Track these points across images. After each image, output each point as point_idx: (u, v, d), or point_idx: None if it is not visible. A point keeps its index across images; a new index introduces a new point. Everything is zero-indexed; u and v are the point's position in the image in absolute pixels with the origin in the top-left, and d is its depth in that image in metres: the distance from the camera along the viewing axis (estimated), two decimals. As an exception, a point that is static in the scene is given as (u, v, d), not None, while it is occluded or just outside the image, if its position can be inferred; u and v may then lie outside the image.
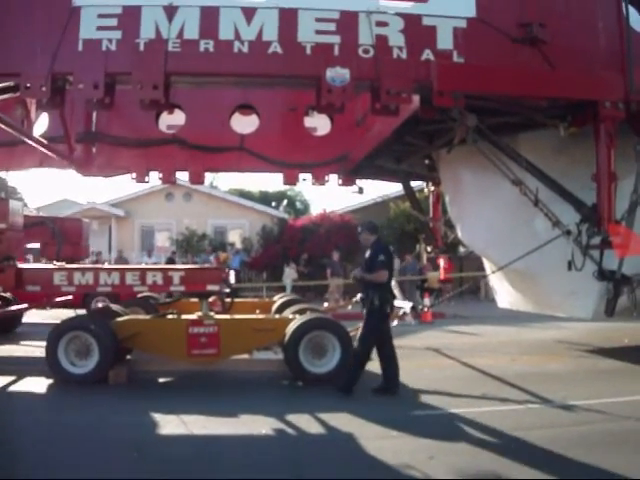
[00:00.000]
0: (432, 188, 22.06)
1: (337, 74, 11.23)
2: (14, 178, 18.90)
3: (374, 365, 14.31)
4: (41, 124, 14.68)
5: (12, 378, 13.68)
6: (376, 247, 12.54)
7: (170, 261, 33.73)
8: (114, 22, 11.41)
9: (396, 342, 18.02)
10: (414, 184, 22.41)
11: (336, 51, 11.67)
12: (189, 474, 8.05)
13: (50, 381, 13.20)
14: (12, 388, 13.14)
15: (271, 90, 16.15)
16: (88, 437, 9.60)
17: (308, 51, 11.65)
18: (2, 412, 11.36)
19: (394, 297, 12.95)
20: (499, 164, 13.49)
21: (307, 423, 10.31)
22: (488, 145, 13.53)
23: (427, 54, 11.88)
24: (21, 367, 14.74)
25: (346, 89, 11.32)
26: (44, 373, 13.20)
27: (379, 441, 9.25)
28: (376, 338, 12.41)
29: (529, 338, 19.92)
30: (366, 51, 11.66)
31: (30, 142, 14.63)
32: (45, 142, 14.96)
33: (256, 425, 10.09)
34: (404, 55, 11.81)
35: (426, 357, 16.62)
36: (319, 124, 16.23)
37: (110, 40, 11.36)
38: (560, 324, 21.53)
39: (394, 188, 27.11)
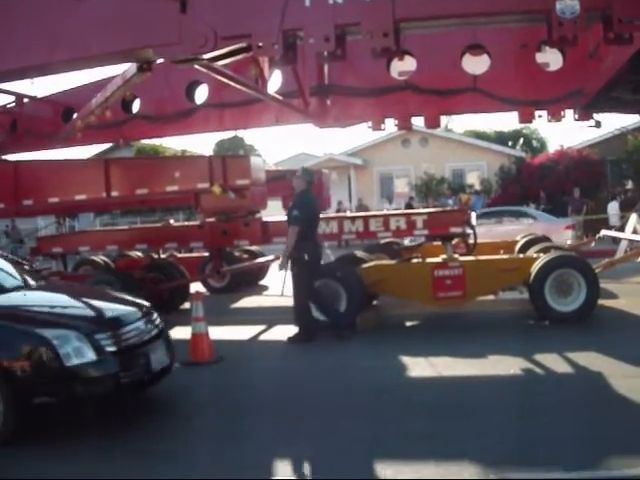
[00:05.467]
0: (672, 117, 21.15)
1: (567, 6, 10.87)
2: (251, 136, 19.50)
3: (619, 302, 13.99)
4: (275, 81, 15.05)
5: (263, 327, 14.34)
6: (296, 200, 12.74)
7: (408, 206, 33.95)
8: (338, -26, 11.49)
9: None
10: (653, 114, 21.51)
11: (563, -18, 11.33)
12: (438, 415, 8.21)
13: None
14: (263, 336, 13.80)
15: (500, 28, 15.86)
16: (339, 380, 9.96)
17: (535, -15, 11.35)
18: (255, 358, 11.93)
19: (318, 246, 12.87)
20: None
21: (555, 362, 10.26)
22: None
23: (657, -23, 11.32)
24: (270, 317, 15.42)
25: (577, 21, 10.93)
26: (292, 321, 13.70)
27: (629, 379, 9.09)
28: (307, 286, 12.49)
29: None
30: (594, -21, 11.25)
31: (266, 99, 15.05)
32: (280, 98, 15.33)
33: (504, 365, 10.14)
34: (634, -19, 11.31)
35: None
36: (551, 59, 15.77)
37: (336, -8, 11.46)
38: None
39: (632, 119, 26.03)
